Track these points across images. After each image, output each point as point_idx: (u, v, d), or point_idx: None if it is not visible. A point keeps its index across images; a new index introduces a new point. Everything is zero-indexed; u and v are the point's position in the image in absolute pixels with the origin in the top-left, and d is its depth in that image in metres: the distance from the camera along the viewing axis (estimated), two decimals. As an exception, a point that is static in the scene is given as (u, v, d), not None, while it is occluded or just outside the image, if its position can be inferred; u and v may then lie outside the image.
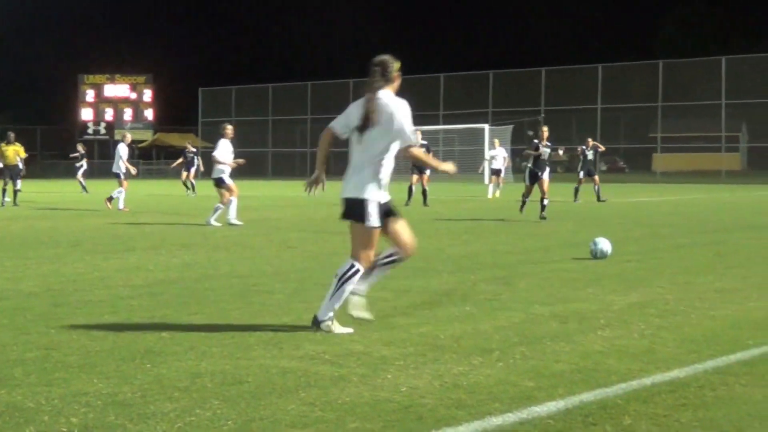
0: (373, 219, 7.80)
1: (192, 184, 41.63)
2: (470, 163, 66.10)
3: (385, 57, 7.98)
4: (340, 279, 7.78)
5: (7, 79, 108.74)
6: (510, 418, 5.23)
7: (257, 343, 7.27)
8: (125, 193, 27.61)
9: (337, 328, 7.70)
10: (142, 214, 25.22)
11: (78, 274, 11.69)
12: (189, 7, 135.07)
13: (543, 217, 22.32)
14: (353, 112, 7.99)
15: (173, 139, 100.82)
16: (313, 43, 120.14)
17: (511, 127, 63.96)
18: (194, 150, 43.62)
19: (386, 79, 7.90)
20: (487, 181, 57.19)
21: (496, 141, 40.54)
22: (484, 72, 76.35)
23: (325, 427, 5.08)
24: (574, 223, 21.88)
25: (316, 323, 7.77)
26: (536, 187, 23.40)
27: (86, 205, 31.28)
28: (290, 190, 48.88)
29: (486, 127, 63.68)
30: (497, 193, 37.30)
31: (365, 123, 7.80)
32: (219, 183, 21.09)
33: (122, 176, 27.78)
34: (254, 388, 5.91)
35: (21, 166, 31.68)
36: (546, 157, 23.56)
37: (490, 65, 79.71)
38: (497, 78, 75.88)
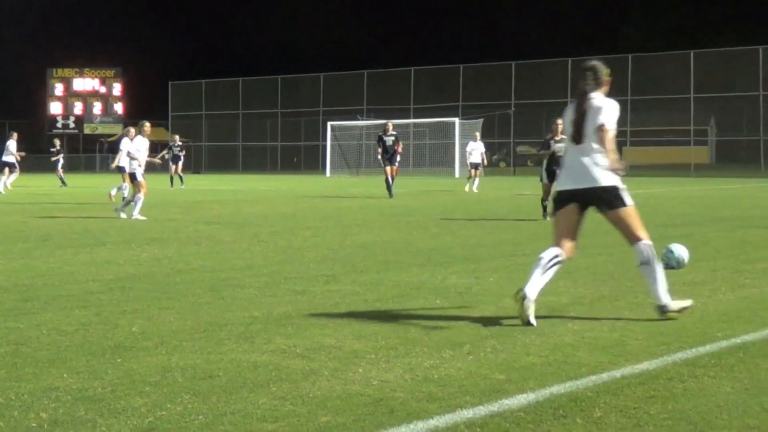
0: (628, 198, 8.28)
1: (180, 176, 42.18)
2: (440, 156, 66.32)
3: (596, 62, 8.51)
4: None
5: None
6: (481, 411, 5.25)
7: (228, 338, 7.26)
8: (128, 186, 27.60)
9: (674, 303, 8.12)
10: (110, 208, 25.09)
11: (48, 269, 11.63)
12: (159, 0, 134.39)
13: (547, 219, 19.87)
14: (565, 119, 8.56)
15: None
16: (284, 38, 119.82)
17: (481, 120, 64.09)
18: (180, 144, 43.85)
19: (597, 83, 8.36)
20: (458, 174, 57.43)
21: (477, 134, 40.08)
22: (455, 66, 76.50)
23: (297, 421, 5.08)
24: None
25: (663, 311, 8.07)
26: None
27: (59, 199, 31.12)
28: (261, 183, 48.80)
29: (456, 120, 63.87)
30: (474, 188, 37.08)
31: (580, 120, 8.27)
32: (132, 177, 21.87)
33: (126, 170, 27.74)
34: (225, 382, 5.90)
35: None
36: (563, 153, 21.46)
37: (460, 59, 79.87)
38: (467, 72, 76.06)
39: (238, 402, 5.44)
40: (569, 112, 8.44)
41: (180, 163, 42.95)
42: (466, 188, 37.42)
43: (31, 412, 5.23)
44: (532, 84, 72.97)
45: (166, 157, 41.32)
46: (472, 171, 37.76)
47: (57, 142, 47.57)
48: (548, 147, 20.75)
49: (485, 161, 39.50)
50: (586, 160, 8.19)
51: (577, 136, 8.28)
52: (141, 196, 21.57)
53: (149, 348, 6.88)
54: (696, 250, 13.85)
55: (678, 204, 27.23)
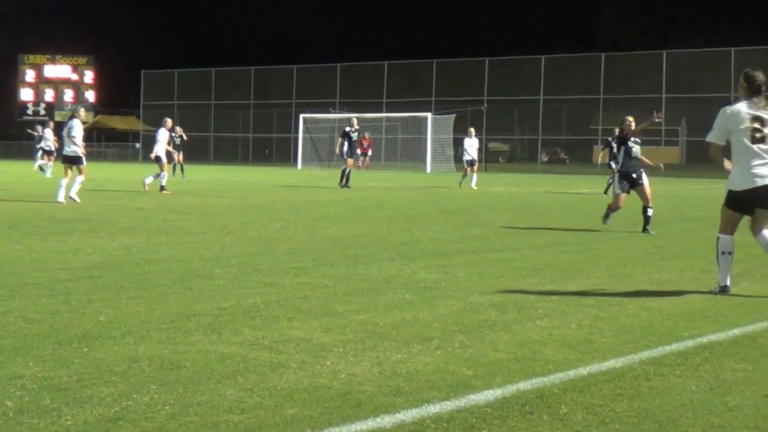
0: None
1: (182, 166, 42.65)
2: (412, 151, 66.33)
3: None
4: None
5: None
6: (448, 406, 5.26)
7: (196, 328, 7.24)
8: (167, 175, 29.12)
9: None
10: (82, 197, 24.96)
11: (15, 257, 11.56)
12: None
13: (648, 231, 16.62)
14: (732, 118, 9.35)
15: (115, 122, 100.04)
16: (257, 29, 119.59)
17: (453, 116, 64.16)
18: (181, 134, 43.99)
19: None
20: (429, 170, 57.48)
21: (471, 130, 38.34)
22: (428, 61, 76.51)
23: (263, 413, 5.07)
24: (513, 212, 22.01)
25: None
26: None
27: (33, 188, 30.94)
28: (232, 174, 48.67)
29: (429, 115, 63.86)
30: (473, 185, 35.74)
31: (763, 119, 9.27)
32: (78, 161, 22.74)
33: (163, 159, 28.74)
34: (192, 373, 5.89)
35: None
36: (638, 155, 17.51)
37: (433, 54, 79.91)
38: (441, 67, 76.14)
39: (205, 393, 5.43)
40: (746, 114, 9.24)
41: (181, 153, 42.89)
42: (461, 185, 36.46)
43: (-4, 399, 5.20)
44: (505, 80, 73.12)
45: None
46: (468, 168, 36.87)
47: (39, 128, 47.00)
48: (607, 145, 18.03)
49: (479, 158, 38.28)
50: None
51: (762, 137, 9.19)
52: (82, 178, 22.69)
53: (116, 337, 6.85)
54: (664, 249, 13.96)
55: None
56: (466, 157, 37.03)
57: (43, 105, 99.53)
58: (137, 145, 44.77)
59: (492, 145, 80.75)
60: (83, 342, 6.68)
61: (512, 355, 6.57)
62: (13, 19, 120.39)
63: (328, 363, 6.22)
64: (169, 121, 31.00)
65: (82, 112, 24.54)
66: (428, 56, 78.56)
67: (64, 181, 22.42)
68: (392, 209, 22.60)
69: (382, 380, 5.81)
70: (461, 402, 5.34)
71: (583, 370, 6.15)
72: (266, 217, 18.81)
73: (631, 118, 17.34)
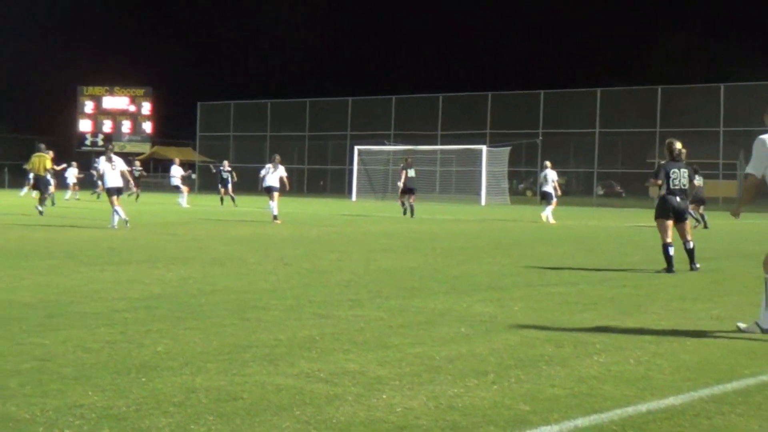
0: None
1: (232, 197, 47.08)
2: (466, 184, 66.22)
3: None
4: None
5: (6, 87, 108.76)
6: (505, 441, 5.23)
7: (252, 360, 7.26)
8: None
9: None
10: (138, 227, 25.18)
11: (73, 286, 11.68)
12: (189, 21, 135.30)
13: (695, 268, 15.98)
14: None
15: (171, 152, 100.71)
16: (313, 61, 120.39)
17: (508, 149, 64.05)
18: (229, 169, 48.80)
19: None
20: (483, 202, 57.37)
21: (548, 163, 36.40)
22: (483, 93, 76.46)
23: (320, 446, 5.07)
24: (569, 245, 21.88)
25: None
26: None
27: (86, 217, 31.26)
28: (287, 206, 48.92)
29: (484, 148, 63.81)
30: (550, 219, 34.35)
31: None
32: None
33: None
34: (249, 404, 5.90)
35: (49, 177, 33.83)
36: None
37: (488, 87, 79.89)
38: (496, 99, 75.98)
39: (261, 425, 5.43)
40: None
41: (229, 186, 47.77)
42: (547, 219, 34.43)
43: (55, 428, 5.24)
44: (561, 113, 72.87)
45: (193, 176, 45.32)
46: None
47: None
48: (657, 176, 16.16)
49: (558, 190, 36.35)
50: None
51: None
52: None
53: (174, 368, 6.89)
54: (722, 285, 13.79)
55: (705, 238, 27.07)
56: (545, 189, 35.49)
57: (101, 136, 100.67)
58: (193, 176, 45.63)
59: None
60: (141, 372, 6.72)
61: (569, 390, 6.51)
62: (72, 51, 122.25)
63: (384, 396, 6.21)
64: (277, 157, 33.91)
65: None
66: (483, 88, 78.56)
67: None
68: (447, 242, 22.55)
69: (438, 414, 5.78)
70: (519, 438, 5.30)
71: (642, 407, 6.08)
72: (321, 249, 18.86)
73: (678, 144, 16.22)
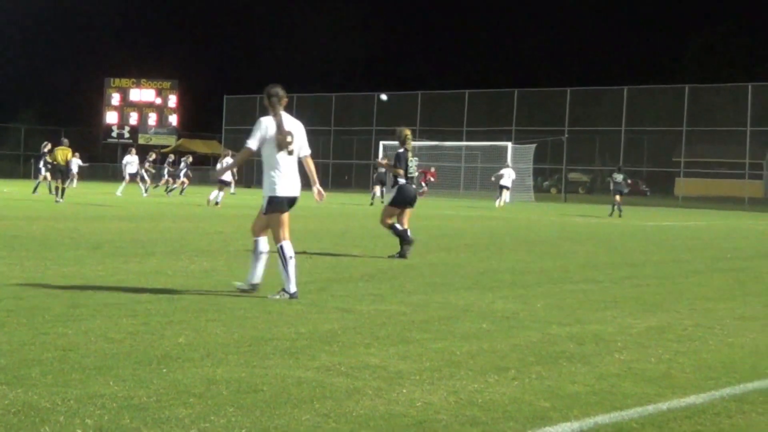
0: None
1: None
2: (492, 180, 66.13)
3: None
4: None
5: (34, 79, 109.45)
6: (524, 437, 5.22)
7: (274, 352, 7.28)
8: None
9: None
10: (164, 219, 25.27)
11: (98, 277, 11.73)
12: (216, 13, 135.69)
13: (395, 256, 16.22)
14: None
15: (196, 145, 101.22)
16: (338, 55, 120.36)
17: (534, 146, 63.91)
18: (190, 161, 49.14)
19: None
20: (508, 199, 57.28)
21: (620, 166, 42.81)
22: (509, 90, 76.27)
23: (339, 439, 5.07)
24: (593, 243, 21.83)
25: None
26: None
27: (112, 208, 31.41)
28: (310, 200, 48.95)
29: (509, 144, 63.70)
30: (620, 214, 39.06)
31: None
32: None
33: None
34: (269, 397, 5.91)
35: (71, 167, 37.25)
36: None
37: (515, 83, 79.70)
38: (522, 96, 75.81)
39: (281, 417, 5.44)
40: None
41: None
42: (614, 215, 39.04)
43: (76, 418, 5.27)
44: (587, 111, 72.66)
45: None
46: (617, 197, 39.76)
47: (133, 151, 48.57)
48: None
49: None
50: None
51: None
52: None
53: (195, 359, 6.91)
54: (747, 285, 13.72)
55: (730, 237, 26.96)
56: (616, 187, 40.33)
57: (127, 128, 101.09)
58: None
59: (572, 176, 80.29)
60: (162, 363, 6.74)
61: (590, 388, 6.50)
62: (100, 43, 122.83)
63: (404, 391, 6.21)
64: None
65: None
66: (509, 85, 78.38)
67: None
68: (470, 238, 22.54)
69: (458, 409, 5.78)
70: (538, 434, 5.29)
71: (663, 406, 6.06)
72: (345, 243, 18.87)
73: None
